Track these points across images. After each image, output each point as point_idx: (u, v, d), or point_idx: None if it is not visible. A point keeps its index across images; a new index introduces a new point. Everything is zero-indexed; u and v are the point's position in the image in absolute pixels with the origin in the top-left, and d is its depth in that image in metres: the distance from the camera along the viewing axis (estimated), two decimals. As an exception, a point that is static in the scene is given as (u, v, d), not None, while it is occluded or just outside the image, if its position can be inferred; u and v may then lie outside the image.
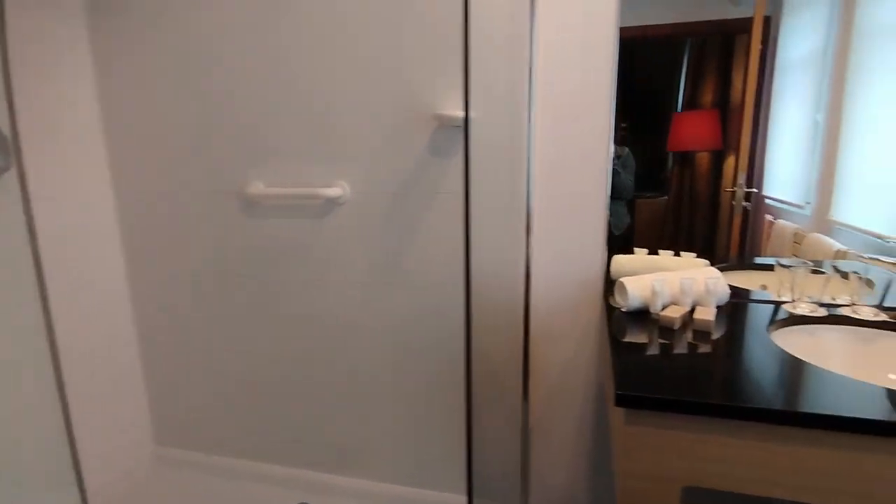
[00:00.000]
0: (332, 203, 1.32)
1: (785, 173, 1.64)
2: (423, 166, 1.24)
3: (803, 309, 1.03)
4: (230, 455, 1.60)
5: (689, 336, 0.93)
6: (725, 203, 2.32)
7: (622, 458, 0.76)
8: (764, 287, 1.39)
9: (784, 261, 1.13)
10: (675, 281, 1.03)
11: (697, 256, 1.26)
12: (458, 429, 1.36)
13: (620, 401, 0.72)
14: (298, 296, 1.41)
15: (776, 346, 0.88)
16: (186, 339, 1.54)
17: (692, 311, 1.01)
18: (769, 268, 1.40)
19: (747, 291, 1.21)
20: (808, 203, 2.13)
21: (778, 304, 1.09)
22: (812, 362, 0.82)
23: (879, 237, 1.61)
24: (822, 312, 1.02)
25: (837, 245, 1.78)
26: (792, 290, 1.05)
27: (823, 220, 2.04)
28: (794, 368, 0.81)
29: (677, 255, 1.25)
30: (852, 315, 1.00)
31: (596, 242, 1.20)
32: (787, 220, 2.20)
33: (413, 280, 1.31)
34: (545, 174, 1.17)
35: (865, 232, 1.76)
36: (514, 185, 1.19)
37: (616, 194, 1.29)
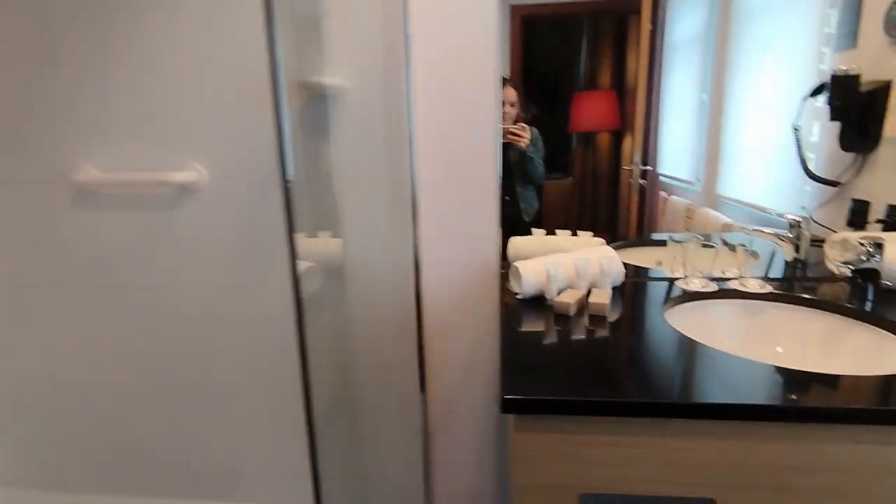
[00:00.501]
0: (186, 190, 1.12)
1: (676, 151, 1.68)
2: (294, 145, 1.07)
3: (695, 285, 1.01)
4: (74, 491, 1.35)
5: (584, 322, 0.86)
6: (624, 181, 2.33)
7: (516, 468, 0.67)
8: (659, 263, 1.38)
9: (676, 236, 1.11)
10: (569, 263, 0.96)
11: (601, 236, 1.21)
12: (345, 440, 1.23)
13: (506, 407, 0.62)
14: (144, 303, 1.20)
15: (669, 326, 0.83)
16: (8, 364, 1.26)
17: (589, 293, 0.94)
18: (664, 244, 1.39)
19: (644, 269, 1.18)
20: (698, 180, 2.19)
21: (671, 281, 1.06)
22: (704, 341, 0.78)
23: (762, 209, 1.67)
24: (713, 287, 0.99)
25: (724, 218, 1.84)
26: (684, 265, 1.02)
27: (711, 195, 2.10)
28: (684, 351, 0.75)
29: (575, 234, 1.19)
30: (741, 288, 0.99)
31: (489, 224, 1.11)
32: (679, 196, 2.25)
33: (285, 279, 1.14)
34: (430, 151, 1.05)
35: (748, 205, 1.82)
36: (395, 164, 1.06)
37: (528, 180, 1.29)
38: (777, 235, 1.15)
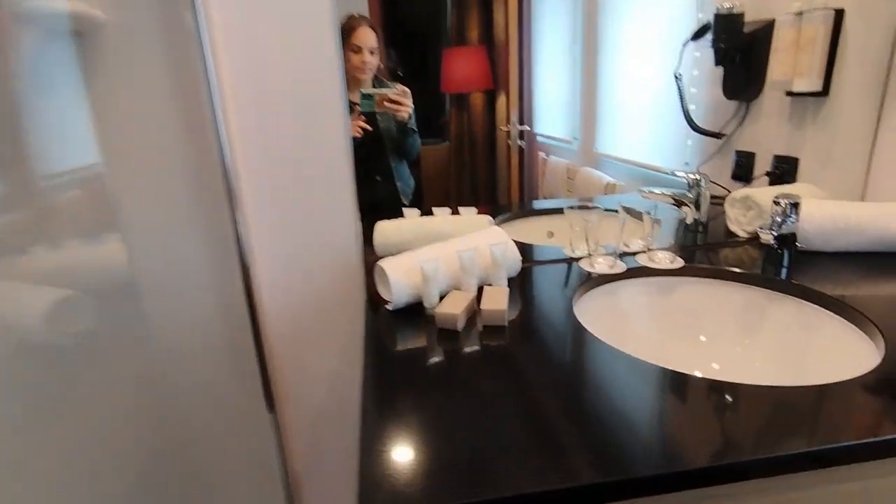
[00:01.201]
0: None
1: (552, 109, 1.52)
2: (28, 111, 0.69)
3: (601, 265, 0.83)
4: None
5: (478, 335, 0.64)
6: (502, 143, 2.13)
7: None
8: (550, 235, 1.21)
9: (570, 203, 0.92)
10: (451, 256, 0.73)
11: (483, 208, 0.99)
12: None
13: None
14: None
15: (586, 331, 0.64)
16: None
17: (481, 292, 0.72)
18: (553, 212, 1.23)
19: (541, 249, 0.99)
20: (575, 139, 2.07)
21: (572, 262, 0.88)
22: (626, 344, 0.60)
23: (643, 167, 1.58)
24: (621, 266, 0.83)
25: (607, 178, 1.74)
26: (587, 240, 0.84)
27: (590, 154, 2.00)
28: (608, 368, 0.56)
29: (456, 213, 0.96)
30: (651, 264, 0.83)
31: (344, 210, 0.83)
32: (559, 156, 2.10)
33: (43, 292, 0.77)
34: (248, 119, 0.73)
35: (629, 162, 1.73)
36: (194, 138, 0.73)
37: (405, 154, 1.20)
38: (674, 197, 1.03)
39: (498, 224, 1.18)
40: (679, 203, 1.02)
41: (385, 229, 0.91)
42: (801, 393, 0.49)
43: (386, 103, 1.08)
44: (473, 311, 0.69)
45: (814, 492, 0.45)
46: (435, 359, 0.59)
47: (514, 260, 0.77)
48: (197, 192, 0.75)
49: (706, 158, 1.26)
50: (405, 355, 0.61)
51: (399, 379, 0.55)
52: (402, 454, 0.43)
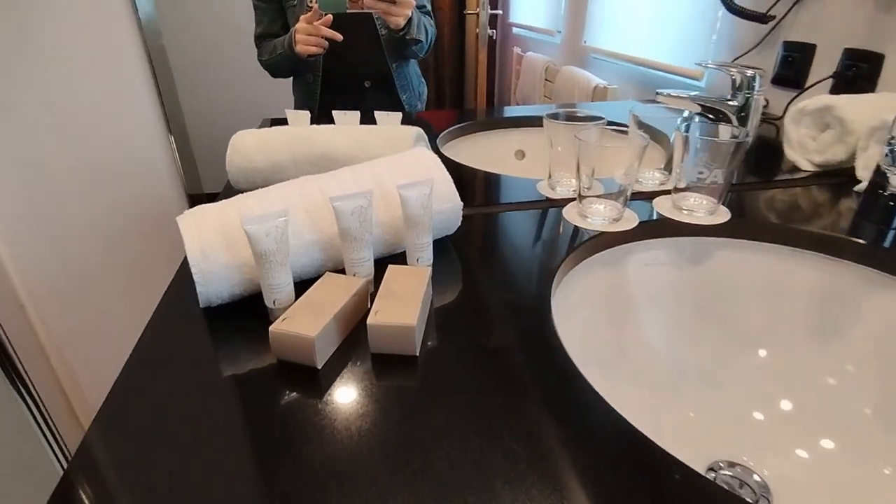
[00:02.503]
0: None
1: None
2: None
3: (599, 215, 0.50)
4: None
5: (354, 387, 0.31)
6: (470, 32, 1.72)
7: None
8: (521, 155, 0.87)
9: (552, 110, 0.56)
10: (321, 205, 0.38)
11: (448, 111, 0.63)
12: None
13: None
14: None
15: (566, 357, 0.32)
16: None
17: (382, 275, 0.38)
18: (530, 123, 0.87)
19: (503, 183, 0.64)
20: (559, 31, 1.65)
21: (548, 209, 0.54)
22: (632, 397, 0.30)
23: (648, 65, 1.20)
24: (631, 218, 0.50)
25: (596, 80, 1.35)
26: (577, 170, 0.49)
27: (576, 49, 1.59)
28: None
29: (370, 120, 0.59)
30: (678, 216, 0.50)
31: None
32: (537, 51, 1.67)
33: None
34: None
35: (625, 59, 1.35)
36: None
37: (405, 55, 0.99)
38: (707, 106, 0.68)
39: (451, 140, 0.82)
40: (715, 114, 0.67)
41: (243, 144, 0.54)
42: None
43: (366, 1, 0.76)
44: (348, 330, 0.35)
45: None
46: (265, 442, 0.26)
47: (449, 211, 0.43)
48: None
49: (739, 53, 0.90)
50: (207, 427, 0.28)
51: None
52: None
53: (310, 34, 0.78)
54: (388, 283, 0.35)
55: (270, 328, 0.31)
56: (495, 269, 0.43)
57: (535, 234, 0.49)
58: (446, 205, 0.42)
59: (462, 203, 0.44)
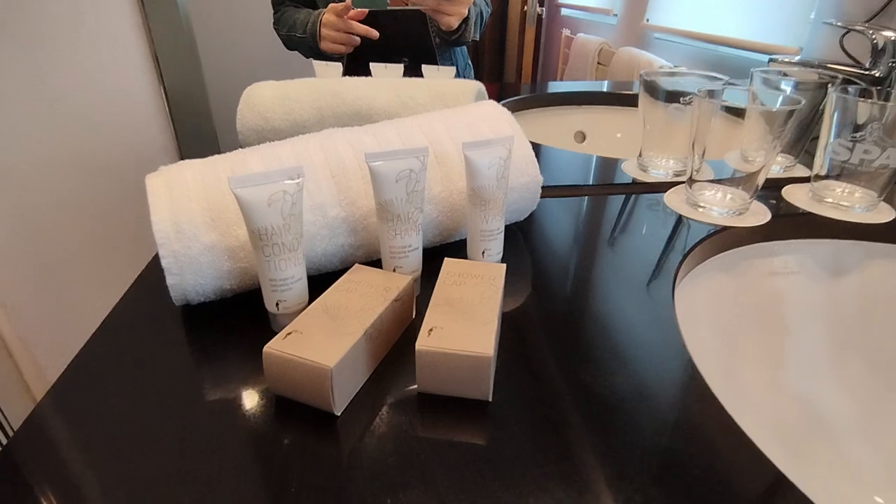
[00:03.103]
0: None
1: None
2: None
3: (716, 204, 0.37)
4: None
5: (390, 442, 0.19)
6: (513, 8, 1.58)
7: None
8: (581, 137, 0.74)
9: (652, 71, 0.43)
10: (353, 167, 0.26)
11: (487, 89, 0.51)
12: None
13: None
14: None
15: (717, 406, 0.20)
16: None
17: (435, 274, 0.26)
18: (587, 100, 0.75)
19: (576, 162, 0.51)
20: (615, 14, 1.49)
21: (638, 195, 0.42)
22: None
23: (724, 43, 1.05)
24: (762, 213, 0.37)
25: (659, 61, 1.20)
26: (693, 147, 0.36)
27: (635, 29, 1.45)
28: None
29: (416, 74, 0.48)
30: (822, 209, 0.38)
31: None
32: (589, 33, 1.52)
33: None
34: None
35: (695, 36, 1.19)
36: None
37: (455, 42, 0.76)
38: (845, 75, 0.54)
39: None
40: (859, 84, 0.53)
41: (258, 99, 0.43)
42: None
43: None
44: (395, 340, 0.23)
45: None
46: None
47: (526, 188, 0.31)
48: None
49: (846, 23, 0.75)
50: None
51: None
52: None
53: (338, 30, 0.63)
54: (445, 284, 0.24)
55: (265, 348, 0.20)
56: (583, 270, 0.30)
57: (627, 224, 0.37)
58: (524, 178, 0.30)
59: (542, 178, 0.32)
